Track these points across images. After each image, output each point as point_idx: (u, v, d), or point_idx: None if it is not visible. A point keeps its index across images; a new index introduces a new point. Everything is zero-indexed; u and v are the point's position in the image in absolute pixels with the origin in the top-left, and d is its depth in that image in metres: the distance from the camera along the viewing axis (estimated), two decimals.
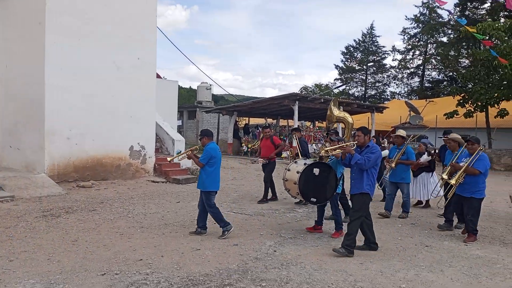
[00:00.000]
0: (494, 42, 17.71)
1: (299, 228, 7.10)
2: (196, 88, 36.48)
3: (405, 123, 26.96)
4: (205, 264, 5.12)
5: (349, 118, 8.96)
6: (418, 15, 44.67)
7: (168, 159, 7.69)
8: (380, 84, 52.14)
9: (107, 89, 11.45)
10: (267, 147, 9.69)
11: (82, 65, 10.87)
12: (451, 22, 37.73)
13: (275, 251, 5.77)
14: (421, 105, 28.79)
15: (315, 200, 6.57)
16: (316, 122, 30.08)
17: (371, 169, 5.72)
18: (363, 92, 51.36)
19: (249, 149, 20.58)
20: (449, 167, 6.77)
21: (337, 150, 6.05)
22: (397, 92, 51.00)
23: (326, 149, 6.36)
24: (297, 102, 20.10)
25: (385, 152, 9.52)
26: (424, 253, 5.84)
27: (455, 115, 21.95)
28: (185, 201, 9.39)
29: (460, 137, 7.51)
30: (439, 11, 39.64)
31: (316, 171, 6.50)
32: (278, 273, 4.84)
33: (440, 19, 40.83)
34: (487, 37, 17.48)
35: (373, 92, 52.07)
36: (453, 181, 6.52)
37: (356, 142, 5.95)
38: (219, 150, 6.65)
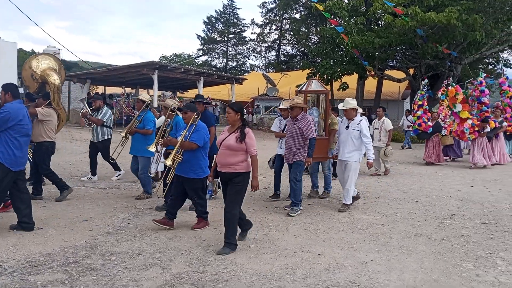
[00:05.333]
0: (338, 21, 19.49)
1: (156, 199, 6.98)
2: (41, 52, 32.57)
3: (263, 95, 28.40)
4: (47, 243, 4.70)
5: (55, 79, 7.12)
6: None
7: None
8: (240, 56, 53.62)
9: None
10: None
11: None
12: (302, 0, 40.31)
13: (129, 223, 5.59)
14: (277, 77, 30.59)
15: None
16: (178, 92, 29.71)
17: (5, 134, 4.97)
18: (224, 64, 52.27)
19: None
20: (156, 139, 5.89)
21: None
22: (256, 65, 53.20)
23: None
24: (156, 71, 19.51)
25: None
26: (273, 214, 6.28)
27: None
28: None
29: (176, 104, 6.41)
30: None
31: None
32: (130, 246, 4.71)
33: None
34: (333, 16, 19.14)
35: (234, 64, 53.36)
36: (168, 162, 5.32)
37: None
38: None
